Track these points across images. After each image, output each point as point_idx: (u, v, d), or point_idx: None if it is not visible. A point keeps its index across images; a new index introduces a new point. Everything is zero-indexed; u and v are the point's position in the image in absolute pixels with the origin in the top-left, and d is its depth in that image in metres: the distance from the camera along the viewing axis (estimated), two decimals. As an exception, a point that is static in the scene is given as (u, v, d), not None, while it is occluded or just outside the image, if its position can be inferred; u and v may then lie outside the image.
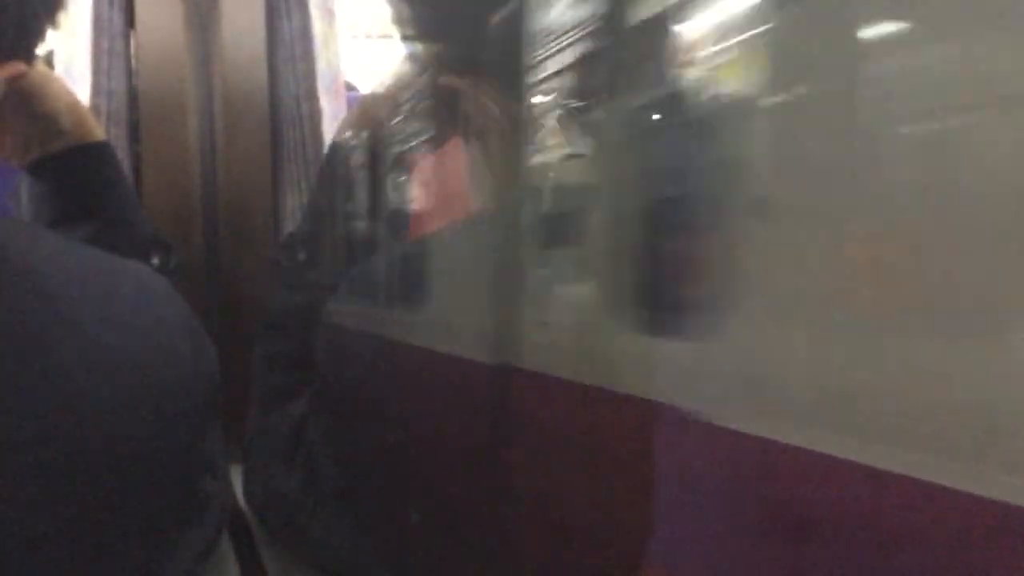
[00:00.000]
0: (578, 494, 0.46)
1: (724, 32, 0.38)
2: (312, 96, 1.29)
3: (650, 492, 0.39)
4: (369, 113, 0.97)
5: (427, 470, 0.66)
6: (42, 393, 0.45)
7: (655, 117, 0.46)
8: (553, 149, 0.52)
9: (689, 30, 0.45)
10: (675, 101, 0.46)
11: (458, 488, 0.60)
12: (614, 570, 0.41)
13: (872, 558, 0.28)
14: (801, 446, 0.29)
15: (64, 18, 0.59)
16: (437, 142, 0.83)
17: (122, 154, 1.18)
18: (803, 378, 0.30)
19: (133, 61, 1.23)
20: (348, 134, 1.00)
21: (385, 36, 1.51)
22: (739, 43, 0.36)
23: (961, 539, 0.25)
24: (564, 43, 0.48)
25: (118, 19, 1.21)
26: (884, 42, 0.28)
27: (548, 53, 0.49)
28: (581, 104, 0.48)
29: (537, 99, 0.51)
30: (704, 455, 0.35)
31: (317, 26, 1.30)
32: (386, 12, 0.84)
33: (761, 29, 0.33)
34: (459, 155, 0.80)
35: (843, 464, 0.28)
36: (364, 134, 0.96)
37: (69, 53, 1.20)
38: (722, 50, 0.38)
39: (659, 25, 0.45)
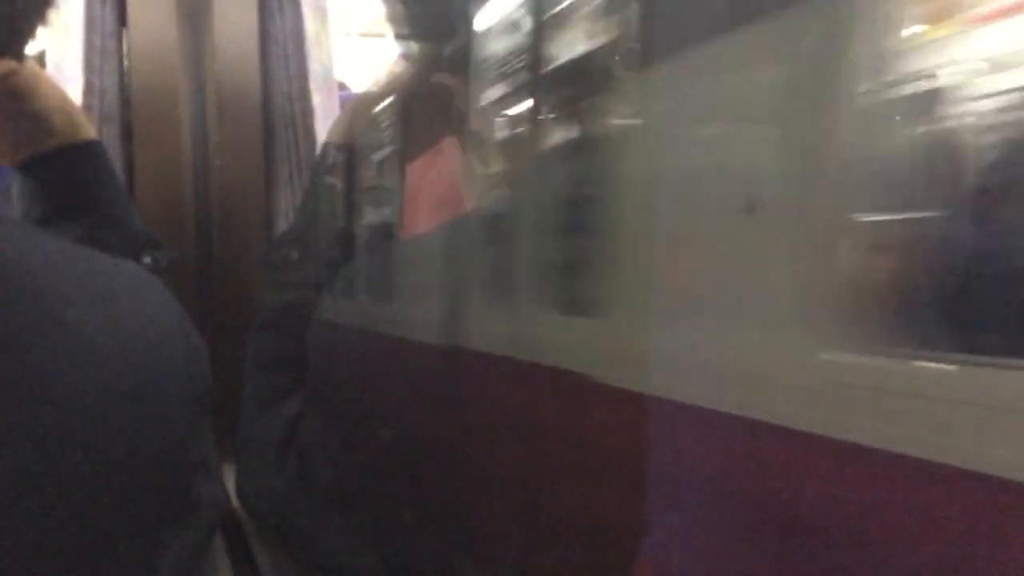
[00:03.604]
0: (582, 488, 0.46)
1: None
2: (304, 95, 1.29)
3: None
4: (362, 112, 0.97)
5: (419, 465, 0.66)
6: (33, 392, 0.45)
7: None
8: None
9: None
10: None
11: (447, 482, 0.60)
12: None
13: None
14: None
15: (54, 16, 0.58)
16: (430, 141, 0.83)
17: (114, 153, 1.18)
18: None
19: (125, 60, 1.23)
20: (341, 134, 1.00)
21: (378, 35, 1.51)
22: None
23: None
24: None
25: (110, 18, 1.21)
26: None
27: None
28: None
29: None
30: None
31: (309, 25, 1.30)
32: (379, 11, 0.84)
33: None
34: (453, 154, 0.80)
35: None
36: (357, 134, 0.96)
37: (61, 52, 1.19)
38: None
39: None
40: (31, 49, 0.63)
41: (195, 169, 1.24)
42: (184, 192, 1.24)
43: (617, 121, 0.45)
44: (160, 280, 0.61)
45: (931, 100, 0.34)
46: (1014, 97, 0.36)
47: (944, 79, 0.35)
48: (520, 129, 0.58)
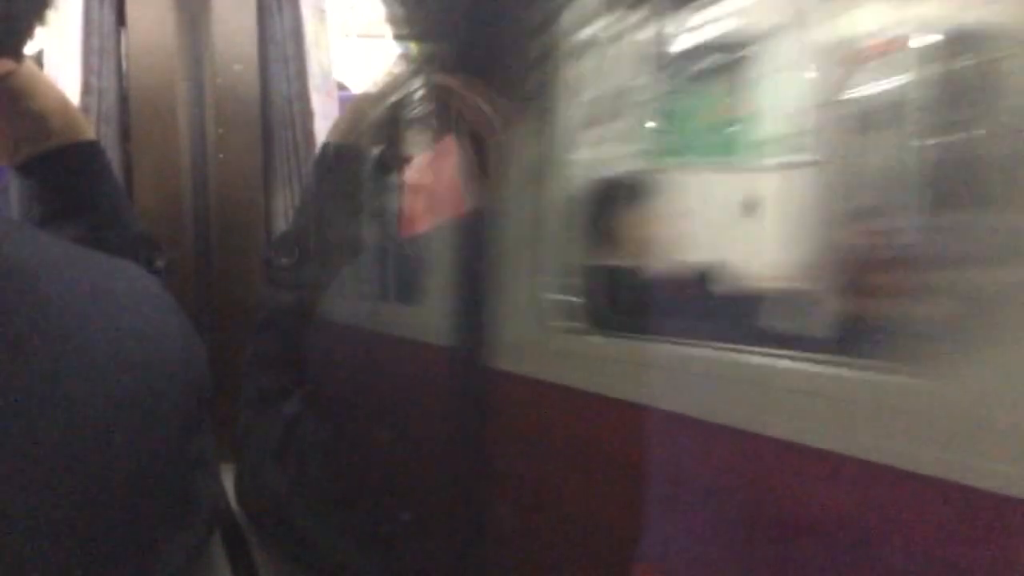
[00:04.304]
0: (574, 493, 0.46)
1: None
2: (303, 96, 1.29)
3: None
4: (361, 113, 0.97)
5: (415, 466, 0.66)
6: (31, 392, 0.45)
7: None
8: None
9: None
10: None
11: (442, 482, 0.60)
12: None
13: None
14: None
15: (52, 16, 0.58)
16: (430, 142, 0.83)
17: (113, 153, 1.18)
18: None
19: (124, 60, 1.23)
20: (340, 134, 1.00)
21: (377, 36, 1.51)
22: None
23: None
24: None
25: (109, 18, 1.21)
26: None
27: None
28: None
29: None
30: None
31: (309, 25, 1.29)
32: (378, 11, 0.84)
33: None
34: (452, 154, 0.80)
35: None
36: (356, 134, 0.96)
37: (59, 52, 1.19)
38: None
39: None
40: (29, 49, 0.63)
41: (194, 169, 1.24)
42: (183, 192, 1.24)
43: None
44: (158, 280, 0.61)
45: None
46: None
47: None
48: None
